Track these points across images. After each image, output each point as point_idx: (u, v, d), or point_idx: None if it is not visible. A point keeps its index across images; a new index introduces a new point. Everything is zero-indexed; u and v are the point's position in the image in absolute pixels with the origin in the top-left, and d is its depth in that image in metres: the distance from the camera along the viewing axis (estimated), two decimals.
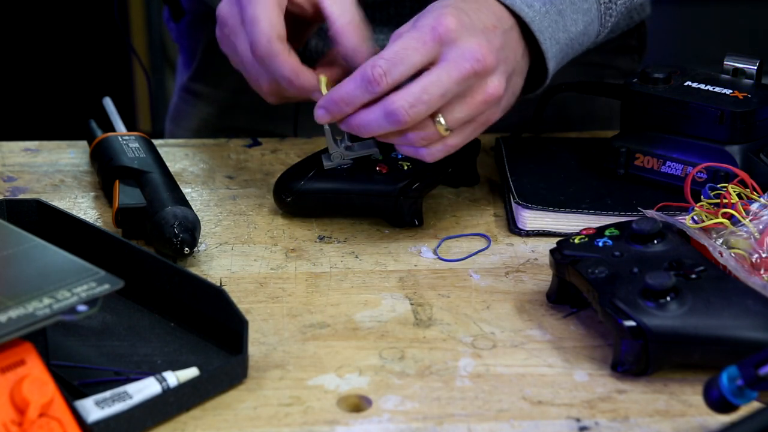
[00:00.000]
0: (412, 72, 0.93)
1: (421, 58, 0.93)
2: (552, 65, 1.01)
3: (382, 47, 1.24)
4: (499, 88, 0.94)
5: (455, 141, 0.97)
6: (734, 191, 0.97)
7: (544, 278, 0.98)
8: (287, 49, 0.99)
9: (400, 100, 0.93)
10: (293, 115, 1.29)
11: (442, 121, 0.95)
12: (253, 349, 0.88)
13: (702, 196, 0.98)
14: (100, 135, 1.14)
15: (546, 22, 0.99)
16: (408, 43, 0.93)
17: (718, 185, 0.99)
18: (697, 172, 1.05)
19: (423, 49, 0.93)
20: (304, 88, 0.99)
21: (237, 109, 1.36)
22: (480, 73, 0.93)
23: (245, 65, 1.01)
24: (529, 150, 1.16)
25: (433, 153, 0.97)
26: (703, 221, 0.95)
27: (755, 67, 1.10)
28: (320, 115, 0.97)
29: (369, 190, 1.05)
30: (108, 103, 1.21)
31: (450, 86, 0.93)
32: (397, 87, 0.94)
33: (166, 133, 1.45)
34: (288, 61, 0.98)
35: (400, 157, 1.05)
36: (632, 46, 1.35)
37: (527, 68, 1.01)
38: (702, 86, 1.08)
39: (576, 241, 0.93)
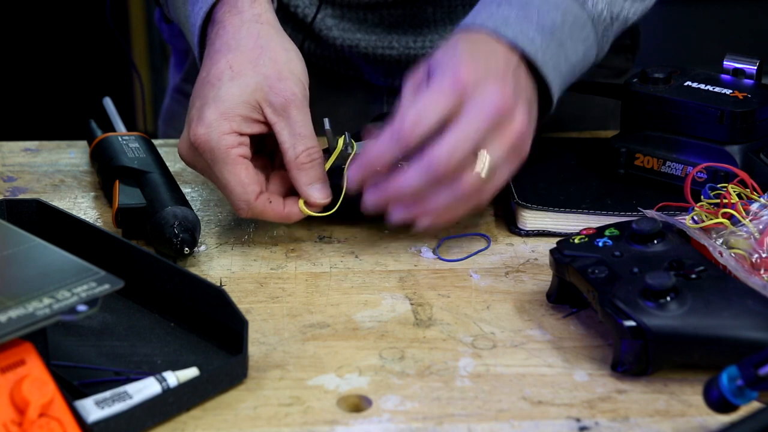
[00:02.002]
0: (437, 125, 0.95)
1: (444, 112, 0.95)
2: (556, 94, 1.04)
3: (374, 50, 1.25)
4: (524, 123, 0.98)
5: (494, 184, 0.98)
6: (734, 191, 0.97)
7: (544, 278, 0.98)
8: (268, 200, 1.00)
9: (438, 151, 0.94)
10: None
11: (485, 159, 0.96)
12: (253, 349, 0.88)
13: (702, 196, 0.98)
14: (100, 135, 1.14)
15: (548, 55, 1.02)
16: (430, 99, 0.95)
17: (718, 185, 0.99)
18: (697, 172, 1.05)
19: (445, 103, 0.95)
20: (293, 219, 1.02)
21: None
22: (504, 114, 0.96)
23: (227, 199, 1.02)
24: (529, 150, 1.16)
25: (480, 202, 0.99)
26: (703, 221, 0.95)
27: (755, 67, 1.10)
28: (351, 182, 0.98)
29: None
30: (108, 103, 1.21)
31: (479, 134, 0.95)
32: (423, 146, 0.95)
33: (159, 134, 1.45)
34: (275, 211, 1.01)
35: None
36: (626, 45, 1.36)
37: (537, 98, 1.04)
38: (702, 86, 1.08)
39: (576, 241, 0.93)
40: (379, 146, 0.96)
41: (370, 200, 0.98)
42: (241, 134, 0.99)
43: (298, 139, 0.99)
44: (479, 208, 1.03)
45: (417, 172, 0.95)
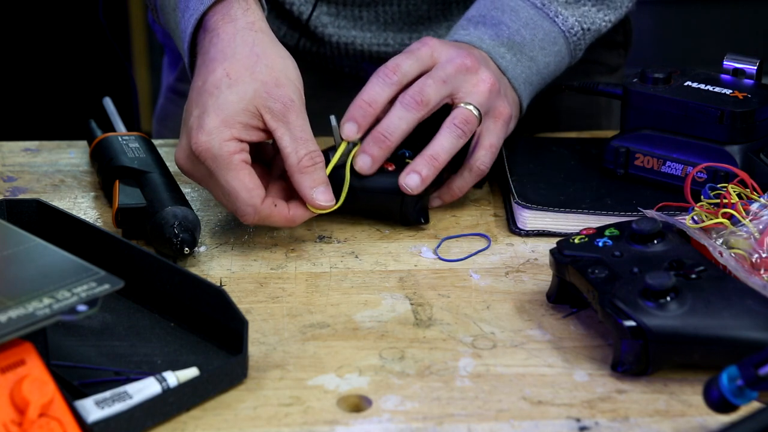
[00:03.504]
0: (413, 72, 1.07)
1: (419, 63, 1.07)
2: (526, 103, 1.14)
3: (370, 47, 1.26)
4: (491, 78, 1.08)
5: (490, 142, 1.08)
6: (734, 191, 0.97)
7: (544, 278, 0.98)
8: (273, 203, 1.01)
9: (414, 86, 1.05)
10: None
11: (470, 106, 1.06)
12: (253, 349, 0.88)
13: (702, 196, 0.98)
14: (100, 135, 1.14)
15: (519, 69, 1.13)
16: (407, 54, 1.08)
17: (718, 185, 0.99)
18: (697, 172, 1.05)
19: (419, 54, 1.07)
20: (298, 222, 1.03)
21: None
22: (471, 69, 1.07)
23: (228, 209, 1.03)
24: (529, 150, 1.16)
25: (486, 160, 1.09)
26: (703, 221, 0.95)
27: (755, 67, 1.10)
28: (349, 129, 1.04)
29: (374, 187, 1.05)
30: (108, 103, 1.21)
31: (449, 76, 1.06)
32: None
33: (153, 133, 1.44)
34: (281, 214, 1.01)
35: (408, 154, 1.05)
36: (618, 42, 1.36)
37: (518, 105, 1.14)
38: (702, 86, 1.08)
39: (576, 241, 0.93)
40: (366, 91, 1.05)
41: (368, 151, 1.04)
42: (242, 141, 0.99)
43: (300, 143, 1.00)
44: (479, 171, 1.07)
45: (399, 109, 1.04)
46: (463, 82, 1.06)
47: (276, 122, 0.99)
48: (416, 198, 1.05)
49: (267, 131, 1.00)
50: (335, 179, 1.03)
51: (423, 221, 1.06)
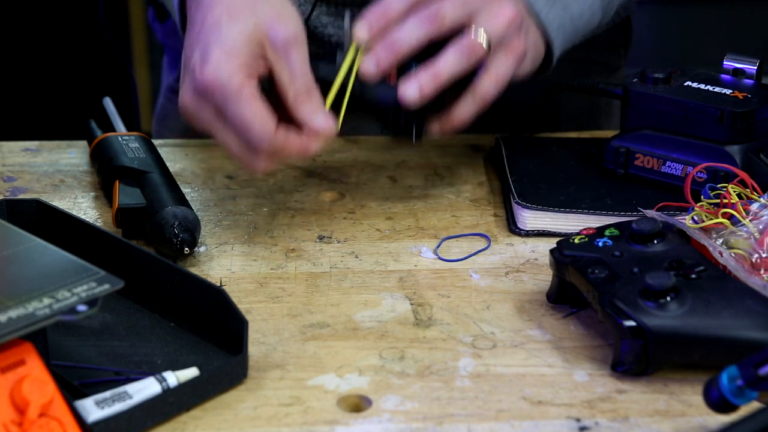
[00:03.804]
0: None
1: None
2: (557, 52, 1.10)
3: None
4: (513, 9, 1.04)
5: (497, 72, 1.05)
6: (734, 191, 0.97)
7: (544, 278, 0.98)
8: (287, 133, 0.98)
9: (434, 3, 1.02)
10: None
11: (481, 31, 1.02)
12: (253, 349, 0.88)
13: (702, 196, 0.98)
14: (100, 135, 1.14)
15: (552, 14, 1.08)
16: None
17: (718, 185, 0.99)
18: (697, 172, 1.05)
19: None
20: (311, 152, 1.00)
21: None
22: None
23: (235, 155, 1.00)
24: (529, 150, 1.16)
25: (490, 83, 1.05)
26: (703, 221, 0.95)
27: (755, 67, 1.10)
28: (360, 30, 1.01)
29: (374, 96, 1.02)
30: (108, 103, 1.21)
31: (468, 3, 1.03)
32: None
33: (153, 133, 1.44)
34: (294, 143, 0.98)
35: (414, 67, 1.02)
36: (619, 42, 1.36)
37: (541, 50, 1.10)
38: (702, 86, 1.08)
39: (576, 241, 0.93)
40: (383, 4, 1.02)
41: (375, 55, 1.01)
42: (249, 72, 0.97)
43: (297, 77, 0.98)
44: (481, 97, 1.04)
45: (414, 20, 1.01)
46: (482, 9, 1.03)
47: (276, 56, 0.98)
48: (413, 114, 1.02)
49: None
50: (339, 93, 1.01)
51: (416, 138, 1.04)
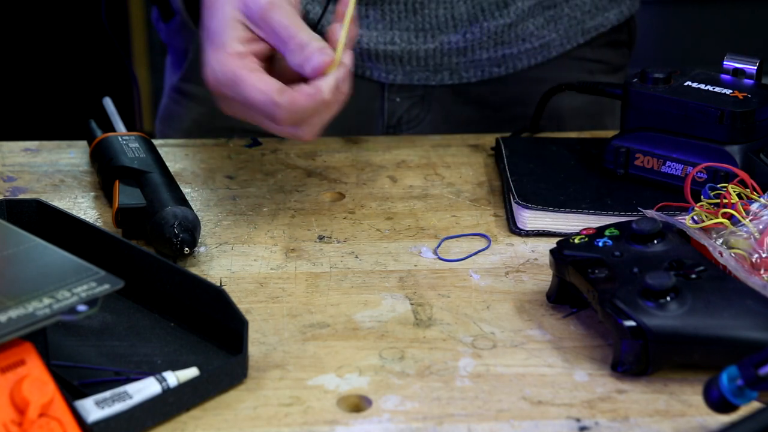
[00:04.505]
0: None
1: None
2: None
3: (376, 45, 1.25)
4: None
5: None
6: (734, 191, 0.97)
7: (544, 278, 0.98)
8: (293, 88, 0.98)
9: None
10: None
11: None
12: (253, 349, 0.88)
13: (702, 196, 0.98)
14: (100, 135, 1.14)
15: None
16: None
17: (718, 185, 0.99)
18: (697, 172, 1.05)
19: None
20: (324, 92, 0.99)
21: None
22: None
23: (275, 132, 1.02)
24: (529, 150, 1.16)
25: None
26: (703, 221, 0.95)
27: (755, 67, 1.10)
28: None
29: None
30: (108, 103, 1.21)
31: None
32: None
33: (156, 134, 1.44)
34: (303, 92, 0.98)
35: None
36: (622, 41, 1.36)
37: None
38: (702, 86, 1.08)
39: (576, 241, 0.93)
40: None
41: None
42: (243, 55, 0.99)
43: (285, 38, 0.99)
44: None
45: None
46: None
47: (259, 29, 1.00)
48: None
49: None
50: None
51: None
